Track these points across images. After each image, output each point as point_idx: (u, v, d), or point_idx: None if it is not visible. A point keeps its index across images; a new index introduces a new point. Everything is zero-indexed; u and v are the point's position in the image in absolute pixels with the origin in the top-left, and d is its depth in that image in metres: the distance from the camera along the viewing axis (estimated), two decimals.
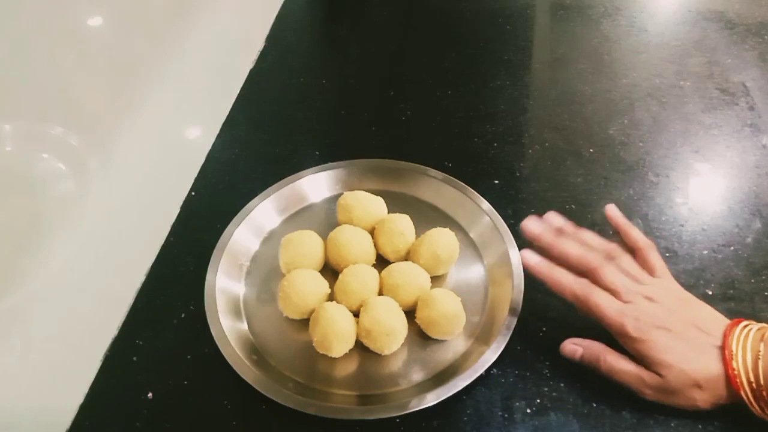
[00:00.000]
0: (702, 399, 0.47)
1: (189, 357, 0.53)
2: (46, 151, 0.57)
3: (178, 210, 0.63)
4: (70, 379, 0.52)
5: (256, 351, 0.53)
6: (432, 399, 0.48)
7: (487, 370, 0.51)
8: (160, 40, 0.62)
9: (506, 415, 0.49)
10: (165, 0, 0.63)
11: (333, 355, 0.52)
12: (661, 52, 0.83)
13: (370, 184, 0.64)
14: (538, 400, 0.50)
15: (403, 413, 0.48)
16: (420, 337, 0.54)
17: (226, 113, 0.73)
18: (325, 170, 0.65)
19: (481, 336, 0.53)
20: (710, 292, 0.56)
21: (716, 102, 0.75)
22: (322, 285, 0.55)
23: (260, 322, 0.55)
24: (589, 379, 0.50)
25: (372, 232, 0.59)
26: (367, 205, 0.60)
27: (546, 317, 0.55)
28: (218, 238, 0.59)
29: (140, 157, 0.59)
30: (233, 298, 0.56)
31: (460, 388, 0.49)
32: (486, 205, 0.61)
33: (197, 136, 0.71)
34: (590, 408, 0.49)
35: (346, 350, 0.52)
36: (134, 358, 0.53)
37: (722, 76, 0.78)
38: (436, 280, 0.57)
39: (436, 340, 0.53)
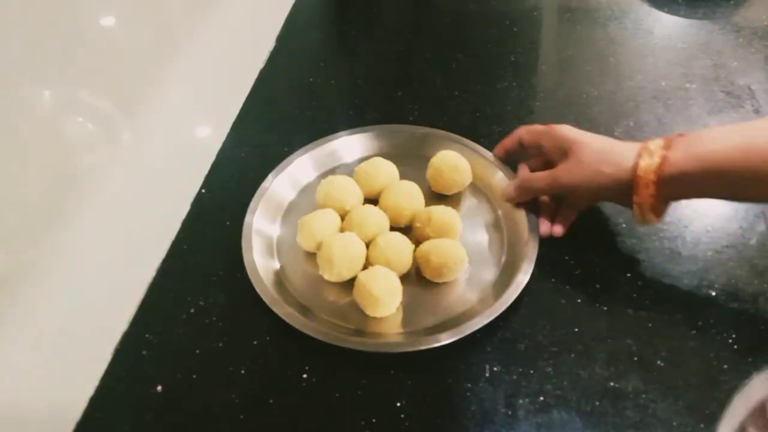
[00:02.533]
0: (604, 180, 0.55)
1: (198, 351, 0.54)
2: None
3: (188, 207, 0.64)
4: (80, 372, 0.53)
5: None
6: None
7: (491, 369, 0.51)
8: (171, 41, 0.63)
9: (510, 413, 0.50)
10: (177, 1, 0.64)
11: (332, 279, 0.57)
12: (667, 54, 0.83)
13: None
14: (542, 398, 0.50)
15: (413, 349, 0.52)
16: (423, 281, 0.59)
17: (237, 112, 0.74)
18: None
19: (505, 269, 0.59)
20: (713, 293, 0.56)
21: (722, 104, 0.75)
22: (336, 222, 0.60)
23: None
24: (592, 377, 0.51)
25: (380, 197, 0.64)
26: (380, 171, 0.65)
27: (549, 316, 0.55)
28: (227, 235, 0.60)
29: (152, 155, 0.60)
30: (267, 238, 0.62)
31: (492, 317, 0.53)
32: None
33: (208, 134, 0.72)
34: (593, 406, 0.50)
35: (348, 276, 0.57)
36: (144, 353, 0.54)
37: (728, 79, 0.78)
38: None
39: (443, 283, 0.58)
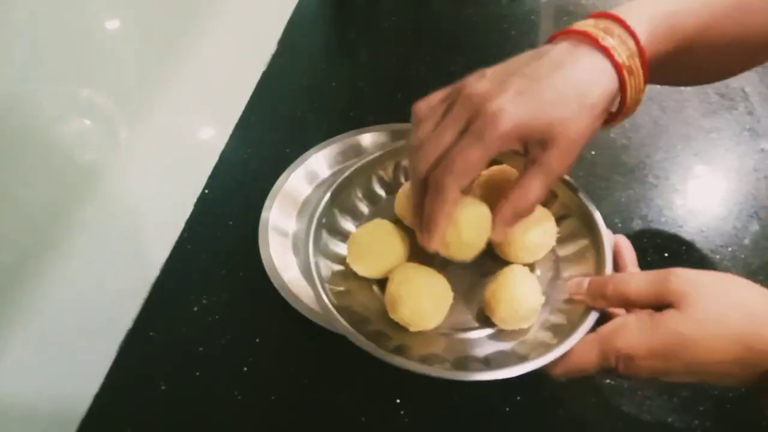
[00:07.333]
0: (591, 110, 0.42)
1: (201, 350, 0.55)
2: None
3: (192, 207, 0.65)
4: (85, 369, 0.53)
5: None
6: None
7: None
8: (175, 44, 0.63)
9: (508, 409, 0.50)
10: (180, 4, 0.65)
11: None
12: None
13: None
14: (538, 394, 0.51)
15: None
16: None
17: (239, 114, 0.75)
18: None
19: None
20: None
21: (716, 107, 0.76)
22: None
23: None
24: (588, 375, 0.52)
25: None
26: None
27: None
28: (230, 235, 0.60)
29: (156, 156, 0.61)
30: (283, 234, 0.59)
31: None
32: None
33: (211, 136, 0.73)
34: (589, 403, 0.51)
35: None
36: (148, 351, 0.55)
37: (722, 82, 0.79)
38: None
39: None
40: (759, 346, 0.38)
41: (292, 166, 0.65)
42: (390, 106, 0.78)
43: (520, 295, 0.46)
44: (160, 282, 0.59)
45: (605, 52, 0.42)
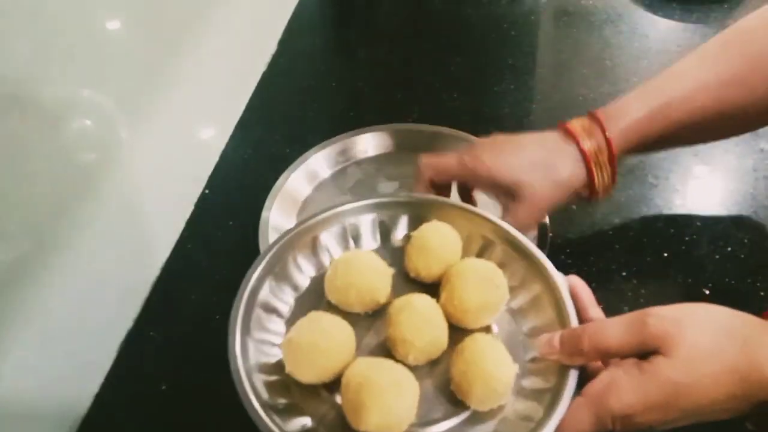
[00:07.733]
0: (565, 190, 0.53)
1: (201, 349, 0.55)
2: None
3: (192, 207, 0.65)
4: (86, 369, 0.54)
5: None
6: None
7: None
8: (176, 44, 0.64)
9: None
10: (181, 6, 0.65)
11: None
12: (662, 58, 0.84)
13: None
14: None
15: None
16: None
17: (240, 114, 0.75)
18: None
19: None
20: (707, 292, 0.57)
21: None
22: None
23: None
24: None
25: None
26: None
27: None
28: (230, 235, 0.61)
29: (156, 156, 0.61)
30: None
31: None
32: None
33: (211, 136, 0.73)
34: None
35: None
36: (148, 350, 0.55)
37: None
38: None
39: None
40: (754, 375, 0.37)
41: (292, 166, 0.65)
42: (390, 106, 0.78)
43: (495, 371, 0.40)
44: (161, 282, 0.59)
45: (581, 150, 0.53)
